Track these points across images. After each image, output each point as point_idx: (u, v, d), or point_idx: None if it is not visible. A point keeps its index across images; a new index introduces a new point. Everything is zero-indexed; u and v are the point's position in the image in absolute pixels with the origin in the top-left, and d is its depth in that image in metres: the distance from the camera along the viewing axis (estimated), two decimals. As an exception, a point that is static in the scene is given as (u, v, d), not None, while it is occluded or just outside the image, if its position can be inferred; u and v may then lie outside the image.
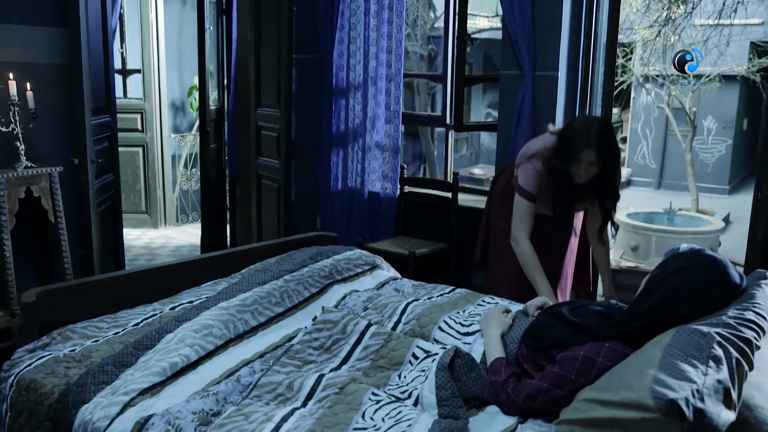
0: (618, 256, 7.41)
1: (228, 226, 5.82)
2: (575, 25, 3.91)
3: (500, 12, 10.05)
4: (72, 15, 3.34)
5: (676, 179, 13.34)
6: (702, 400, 1.40)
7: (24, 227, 3.41)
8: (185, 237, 6.48)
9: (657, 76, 10.97)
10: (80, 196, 3.55)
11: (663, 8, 7.57)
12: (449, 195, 4.22)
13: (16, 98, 3.23)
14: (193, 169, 7.03)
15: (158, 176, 6.64)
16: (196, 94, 6.95)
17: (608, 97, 3.45)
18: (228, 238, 5.82)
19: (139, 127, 6.49)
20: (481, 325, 2.19)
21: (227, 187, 5.70)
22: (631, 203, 11.19)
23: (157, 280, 2.69)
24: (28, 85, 3.29)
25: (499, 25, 10.16)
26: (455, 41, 4.49)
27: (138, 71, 6.55)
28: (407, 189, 4.49)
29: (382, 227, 4.49)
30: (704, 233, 8.83)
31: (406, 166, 4.49)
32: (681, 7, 7.41)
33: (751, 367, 1.58)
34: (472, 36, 9.99)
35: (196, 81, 6.92)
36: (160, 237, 6.45)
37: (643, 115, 13.88)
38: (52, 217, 3.42)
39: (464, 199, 4.29)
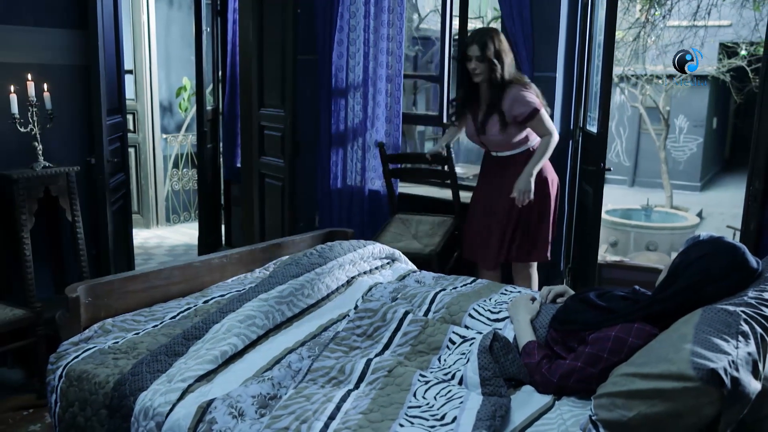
0: (602, 251, 7.63)
1: (223, 225, 5.89)
2: (572, 28, 4.08)
3: (481, 14, 10.19)
4: (90, 17, 3.40)
5: (649, 176, 13.66)
6: (737, 370, 1.55)
7: (40, 226, 3.45)
8: (178, 237, 6.52)
9: (632, 75, 11.25)
10: (96, 196, 3.60)
11: (641, 10, 7.83)
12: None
13: (35, 99, 3.27)
14: (184, 169, 7.07)
15: (150, 177, 6.66)
16: (185, 95, 7.00)
17: (606, 95, 3.61)
18: (223, 237, 5.89)
19: (131, 127, 6.50)
20: (509, 311, 2.32)
21: (222, 187, 5.78)
22: (607, 200, 11.46)
23: (188, 275, 2.77)
24: (46, 86, 3.34)
25: (480, 26, 10.35)
26: (452, 42, 4.63)
27: (129, 72, 6.56)
28: (408, 187, 4.61)
29: (382, 224, 4.59)
30: (680, 229, 9.13)
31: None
32: (658, 10, 7.67)
33: (773, 342, 1.74)
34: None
35: (184, 81, 6.96)
36: (154, 237, 6.47)
37: (617, 114, 14.19)
38: (70, 216, 3.45)
39: (463, 196, 4.42)
